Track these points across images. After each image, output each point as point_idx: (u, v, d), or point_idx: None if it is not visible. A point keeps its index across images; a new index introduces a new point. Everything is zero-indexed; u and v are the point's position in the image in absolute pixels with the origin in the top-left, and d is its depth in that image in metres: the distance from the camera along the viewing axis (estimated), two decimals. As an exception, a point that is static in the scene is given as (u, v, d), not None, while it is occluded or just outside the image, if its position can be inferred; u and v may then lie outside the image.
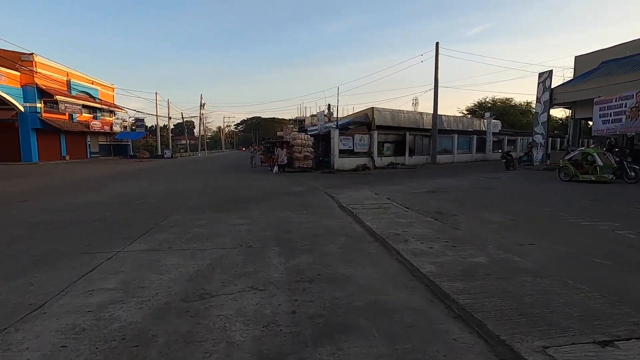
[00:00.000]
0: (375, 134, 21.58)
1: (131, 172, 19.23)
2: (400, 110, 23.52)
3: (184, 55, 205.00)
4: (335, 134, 19.44)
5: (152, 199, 8.96)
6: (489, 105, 55.33)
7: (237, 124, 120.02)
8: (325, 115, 21.40)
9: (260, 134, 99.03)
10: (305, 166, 18.79)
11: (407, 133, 23.84)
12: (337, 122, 21.13)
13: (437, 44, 24.64)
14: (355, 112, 25.71)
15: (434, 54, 24.61)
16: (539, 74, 21.85)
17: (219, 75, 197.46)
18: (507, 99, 54.60)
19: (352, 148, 20.69)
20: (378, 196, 9.53)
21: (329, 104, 35.83)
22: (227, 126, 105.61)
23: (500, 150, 30.74)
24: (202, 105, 52.23)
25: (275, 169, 18.22)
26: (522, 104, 54.64)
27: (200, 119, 54.22)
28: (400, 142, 23.89)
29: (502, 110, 52.13)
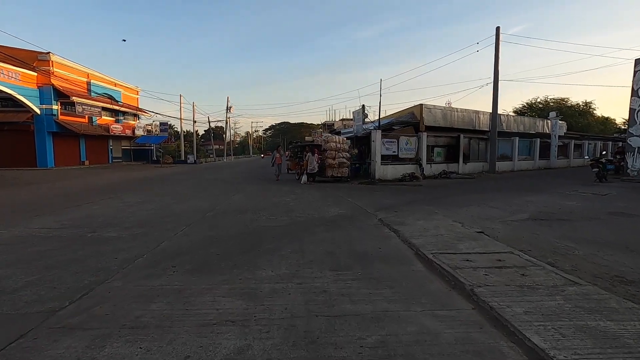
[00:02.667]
0: (424, 136, 17.80)
1: (138, 181, 16.60)
2: (452, 107, 19.59)
3: (214, 63, 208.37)
4: (377, 135, 15.87)
5: (118, 232, 5.83)
6: (540, 105, 49.55)
7: (266, 130, 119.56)
8: (364, 113, 17.90)
9: (288, 138, 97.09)
10: (339, 175, 15.34)
11: (462, 135, 19.84)
12: (379, 122, 17.55)
13: (497, 29, 20.60)
14: (395, 112, 21.98)
15: (494, 41, 20.54)
16: (636, 60, 17.25)
17: (248, 82, 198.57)
18: (563, 99, 48.66)
19: (396, 153, 17.03)
20: (466, 229, 5.91)
21: (363, 105, 32.37)
22: (255, 131, 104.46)
23: (588, 158, 25.89)
24: (228, 109, 50.17)
25: (304, 178, 14.89)
26: (581, 103, 48.43)
27: (226, 122, 52.19)
28: (453, 147, 19.92)
29: (558, 111, 46.25)
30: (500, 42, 20.51)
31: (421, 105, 17.97)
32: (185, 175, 19.95)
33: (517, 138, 23.83)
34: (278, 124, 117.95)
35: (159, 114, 46.85)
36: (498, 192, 11.93)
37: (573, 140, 29.76)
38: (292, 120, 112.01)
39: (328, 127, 67.74)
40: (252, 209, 8.23)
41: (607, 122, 53.32)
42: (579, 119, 46.04)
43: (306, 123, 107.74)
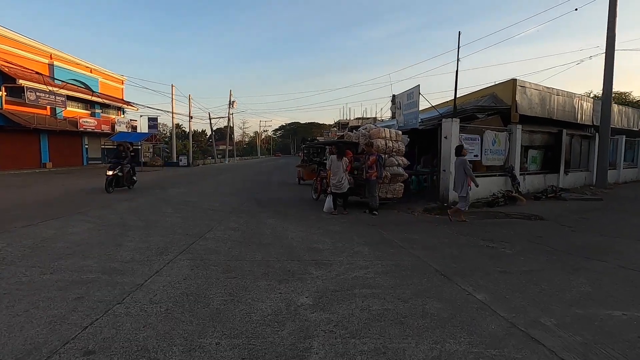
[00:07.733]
0: (518, 130, 11.10)
1: (48, 205, 10.34)
2: (550, 88, 12.78)
3: (224, 64, 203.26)
4: (453, 129, 9.19)
5: None
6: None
7: (275, 130, 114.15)
8: (418, 94, 11.21)
9: (298, 139, 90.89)
10: (393, 196, 8.74)
11: (565, 131, 13.03)
12: (454, 106, 10.89)
13: (614, -28, 13.71)
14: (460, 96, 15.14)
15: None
16: None
17: (258, 82, 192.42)
18: (623, 93, 40.93)
19: (478, 157, 10.36)
20: None
21: (394, 95, 25.61)
22: (264, 131, 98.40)
23: None
24: (231, 104, 43.96)
25: (328, 201, 8.31)
26: (646, 98, 40.68)
27: (229, 119, 45.94)
28: (551, 148, 13.12)
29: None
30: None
31: (514, 81, 11.21)
32: (150, 191, 13.57)
33: (624, 137, 16.88)
34: (288, 124, 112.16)
35: (149, 107, 41.20)
36: None
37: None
38: (303, 120, 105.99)
39: (342, 126, 60.92)
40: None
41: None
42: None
43: (318, 123, 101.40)
